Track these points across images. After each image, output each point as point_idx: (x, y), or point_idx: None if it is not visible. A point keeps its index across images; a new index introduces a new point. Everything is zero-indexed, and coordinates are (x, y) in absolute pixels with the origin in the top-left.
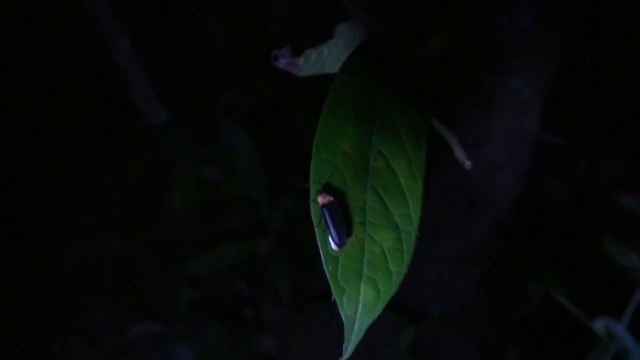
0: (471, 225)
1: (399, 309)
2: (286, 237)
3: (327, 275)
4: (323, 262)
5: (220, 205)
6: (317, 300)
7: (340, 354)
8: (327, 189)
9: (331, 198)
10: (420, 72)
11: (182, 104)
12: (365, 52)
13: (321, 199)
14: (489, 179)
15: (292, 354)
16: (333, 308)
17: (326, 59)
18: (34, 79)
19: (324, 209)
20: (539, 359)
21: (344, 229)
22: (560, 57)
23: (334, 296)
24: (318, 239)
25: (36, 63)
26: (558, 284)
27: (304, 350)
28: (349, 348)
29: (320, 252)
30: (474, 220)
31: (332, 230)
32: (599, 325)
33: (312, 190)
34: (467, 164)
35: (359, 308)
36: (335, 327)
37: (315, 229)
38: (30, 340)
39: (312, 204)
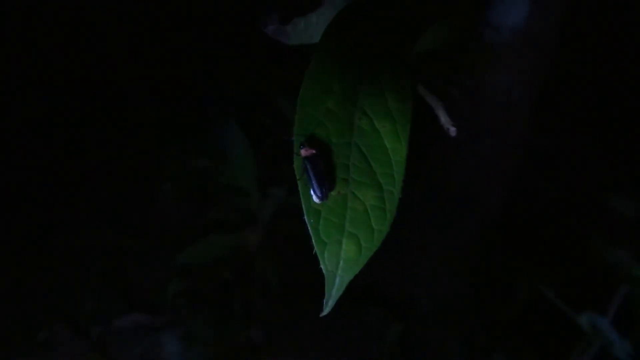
0: (460, 223)
1: (387, 305)
2: (276, 229)
3: (309, 228)
4: (305, 215)
5: (210, 196)
6: (306, 293)
7: (328, 348)
8: (310, 142)
9: (314, 151)
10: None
11: (174, 94)
12: (356, 11)
13: (304, 152)
14: (478, 177)
15: (280, 346)
16: (321, 301)
17: (315, 28)
18: (21, 61)
19: (306, 161)
20: (525, 356)
21: (327, 183)
22: (552, 57)
23: (315, 250)
24: (300, 192)
25: (22, 45)
26: (545, 281)
27: (292, 342)
28: (329, 302)
29: (303, 204)
30: (463, 218)
31: (314, 183)
32: (584, 319)
33: (296, 144)
34: (452, 130)
35: (341, 263)
36: (324, 320)
37: (298, 182)
38: (16, 328)
39: (295, 158)
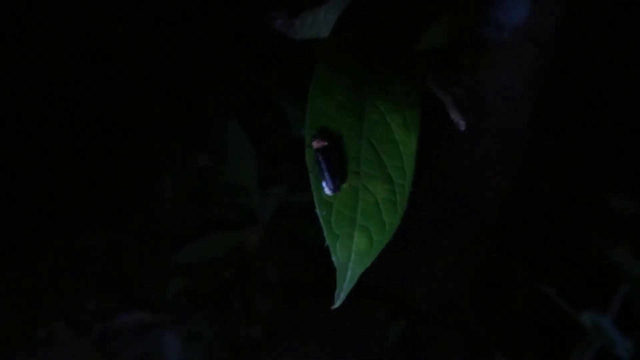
0: (460, 222)
1: (387, 304)
2: (277, 228)
3: (321, 221)
4: (317, 207)
5: (211, 194)
6: (306, 292)
7: (328, 346)
8: (322, 134)
9: (326, 143)
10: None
11: (175, 93)
12: (362, 7)
13: (315, 144)
14: (478, 177)
15: (280, 344)
16: (322, 300)
17: (322, 23)
18: (21, 59)
19: (317, 153)
20: (525, 355)
21: (338, 175)
22: (552, 56)
23: (327, 242)
24: (312, 184)
25: (23, 43)
26: (546, 281)
27: (292, 341)
28: (341, 295)
29: (314, 197)
30: (463, 217)
31: (326, 175)
32: (585, 318)
33: (307, 136)
34: (462, 124)
35: (352, 255)
36: (324, 319)
37: (310, 175)
38: (15, 326)
39: (306, 150)
